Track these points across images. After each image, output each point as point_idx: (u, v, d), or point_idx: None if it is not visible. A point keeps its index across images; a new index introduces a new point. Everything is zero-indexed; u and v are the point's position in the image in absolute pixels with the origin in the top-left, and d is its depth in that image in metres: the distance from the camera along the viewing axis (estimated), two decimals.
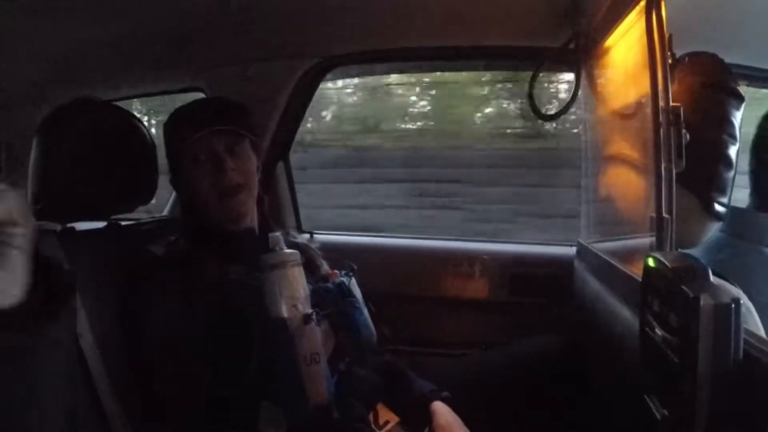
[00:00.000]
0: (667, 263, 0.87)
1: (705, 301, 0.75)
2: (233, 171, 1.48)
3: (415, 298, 2.26)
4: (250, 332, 1.32)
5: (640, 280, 1.01)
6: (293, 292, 1.31)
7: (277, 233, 1.41)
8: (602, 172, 1.72)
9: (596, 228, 1.81)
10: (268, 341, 1.31)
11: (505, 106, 4.28)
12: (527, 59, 2.09)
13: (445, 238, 2.41)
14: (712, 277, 0.82)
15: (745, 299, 1.15)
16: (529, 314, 2.15)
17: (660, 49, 1.09)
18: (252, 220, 1.57)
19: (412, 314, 2.21)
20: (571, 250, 2.07)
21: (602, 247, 1.67)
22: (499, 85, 4.09)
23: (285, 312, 1.29)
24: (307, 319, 1.29)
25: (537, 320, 2.10)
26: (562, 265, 2.07)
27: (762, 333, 1.14)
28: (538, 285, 2.15)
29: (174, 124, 1.56)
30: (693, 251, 1.34)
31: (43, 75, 2.03)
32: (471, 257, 2.21)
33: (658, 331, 0.89)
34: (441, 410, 1.54)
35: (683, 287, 0.79)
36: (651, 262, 0.94)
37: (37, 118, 1.60)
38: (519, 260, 2.21)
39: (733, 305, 0.75)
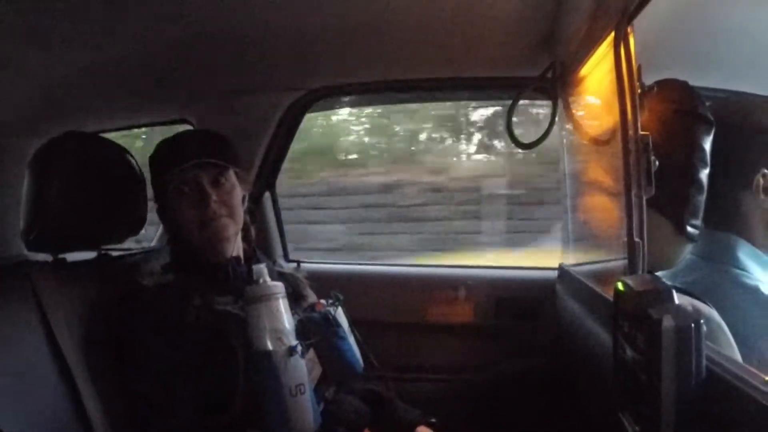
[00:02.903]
0: (634, 287, 0.91)
1: (667, 322, 0.78)
2: (216, 203, 1.50)
3: (401, 324, 2.27)
4: (236, 362, 1.34)
5: None
6: (277, 325, 1.33)
7: (262, 264, 1.43)
8: (581, 197, 1.75)
9: (577, 252, 1.84)
10: (254, 371, 1.33)
11: None
12: (507, 89, 2.13)
13: (429, 265, 2.43)
14: (678, 299, 0.85)
15: (717, 319, 1.19)
16: (514, 337, 2.16)
17: (628, 79, 1.13)
18: (237, 249, 1.58)
19: (398, 340, 2.22)
20: (554, 274, 2.10)
21: (582, 270, 1.70)
22: None
23: (269, 345, 1.31)
24: (291, 351, 1.31)
25: (522, 343, 2.13)
26: (545, 288, 2.10)
27: (735, 350, 1.17)
28: (522, 308, 2.16)
29: (158, 157, 1.58)
30: (666, 273, 1.37)
31: (33, 106, 2.05)
32: (455, 283, 2.23)
33: (629, 352, 0.92)
34: None
35: (648, 310, 0.82)
36: (620, 286, 0.97)
37: (28, 149, 1.63)
38: (503, 284, 2.23)
39: (693, 326, 0.78)
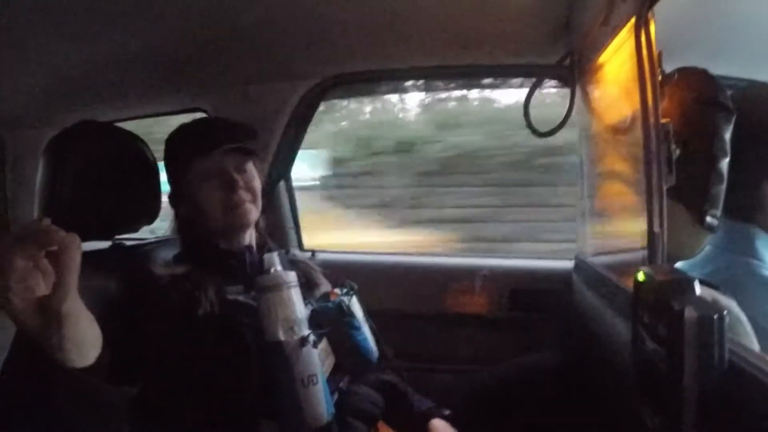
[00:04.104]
0: (655, 277, 0.89)
1: (689, 313, 0.77)
2: (242, 189, 1.51)
3: (416, 314, 2.27)
4: (248, 352, 1.34)
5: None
6: (289, 315, 1.32)
7: (273, 253, 1.42)
8: (598, 186, 1.73)
9: (593, 242, 1.82)
10: (266, 361, 1.32)
11: None
12: (524, 76, 2.12)
13: (445, 254, 2.42)
14: (699, 289, 0.84)
15: (736, 309, 1.17)
16: (530, 328, 2.16)
17: (649, 66, 1.11)
18: (250, 238, 1.58)
19: (413, 331, 2.23)
20: (570, 264, 2.09)
21: (599, 260, 1.68)
22: None
23: (281, 335, 1.30)
24: (303, 341, 1.30)
25: (537, 334, 2.12)
26: (561, 279, 2.09)
27: (754, 342, 1.15)
28: (538, 299, 2.16)
29: (181, 142, 1.58)
30: (683, 264, 1.36)
31: (47, 96, 2.06)
32: (471, 273, 2.23)
33: (648, 343, 0.90)
34: (440, 427, 1.55)
35: (669, 300, 0.81)
36: (641, 276, 0.95)
37: (43, 138, 1.63)
38: (518, 275, 2.22)
39: (716, 317, 0.77)
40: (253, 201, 1.54)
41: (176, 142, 1.59)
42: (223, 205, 1.50)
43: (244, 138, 1.55)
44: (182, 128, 1.60)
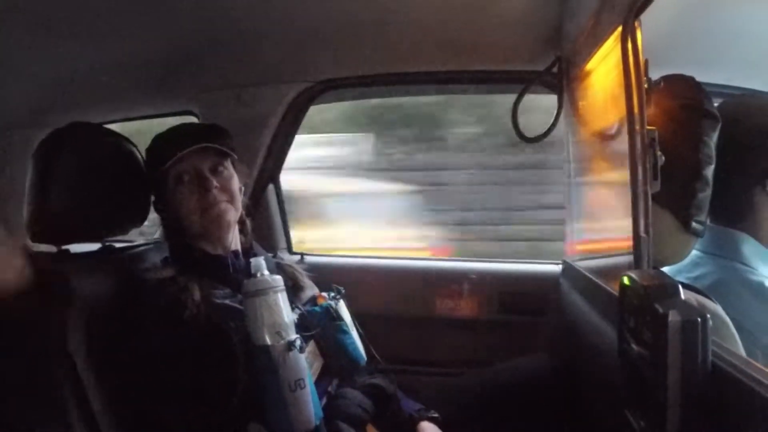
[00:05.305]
0: (640, 281, 0.90)
1: (673, 317, 0.78)
2: (217, 189, 1.50)
3: (404, 318, 2.27)
4: (236, 356, 1.34)
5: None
6: (275, 319, 1.32)
7: (260, 258, 1.42)
8: (585, 192, 1.75)
9: (580, 246, 1.83)
10: (253, 366, 1.32)
11: None
12: (513, 83, 2.13)
13: (433, 258, 2.43)
14: (683, 294, 0.85)
15: (722, 314, 1.19)
16: (518, 332, 2.17)
17: (635, 74, 1.12)
18: (235, 243, 1.59)
19: (402, 334, 2.22)
20: (557, 268, 2.10)
21: (586, 264, 1.69)
22: None
23: (268, 339, 1.30)
24: (290, 346, 1.30)
25: (525, 338, 2.12)
26: (549, 282, 2.10)
27: (739, 346, 1.17)
28: (526, 303, 2.17)
29: (157, 147, 1.58)
30: (670, 269, 1.37)
31: (38, 98, 2.06)
32: (459, 276, 2.23)
33: (634, 347, 0.91)
34: (429, 430, 1.56)
35: (654, 304, 0.82)
36: (626, 281, 0.97)
37: (33, 140, 1.62)
38: (506, 279, 2.23)
39: (700, 321, 0.78)
40: (231, 201, 1.54)
41: (153, 149, 1.60)
42: (199, 206, 1.51)
43: (215, 139, 1.54)
44: (157, 137, 1.60)
